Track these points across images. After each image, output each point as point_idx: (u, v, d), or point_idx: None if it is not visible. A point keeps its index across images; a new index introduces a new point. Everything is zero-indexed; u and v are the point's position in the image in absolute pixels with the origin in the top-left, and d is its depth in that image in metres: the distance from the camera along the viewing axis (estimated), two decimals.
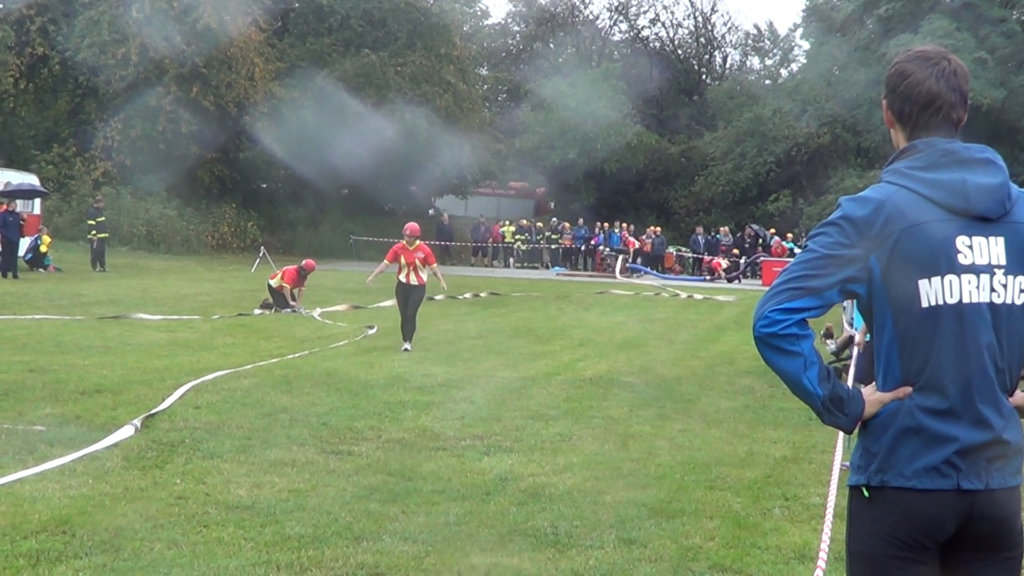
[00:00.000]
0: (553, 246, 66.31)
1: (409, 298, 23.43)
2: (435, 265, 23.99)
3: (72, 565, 8.38)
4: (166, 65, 55.48)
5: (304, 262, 32.25)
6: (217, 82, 56.85)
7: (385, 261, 24.12)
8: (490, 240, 67.84)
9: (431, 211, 73.60)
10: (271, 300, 31.51)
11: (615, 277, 56.38)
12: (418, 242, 23.75)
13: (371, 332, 25.85)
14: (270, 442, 13.09)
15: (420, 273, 23.54)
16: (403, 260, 23.51)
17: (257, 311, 30.76)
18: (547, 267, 64.64)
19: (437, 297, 36.55)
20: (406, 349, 22.86)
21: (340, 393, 16.94)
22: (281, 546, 9.01)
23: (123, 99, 55.78)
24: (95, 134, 55.60)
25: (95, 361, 19.52)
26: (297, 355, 21.65)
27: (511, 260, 66.61)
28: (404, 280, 23.51)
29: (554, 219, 69.47)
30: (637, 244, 64.60)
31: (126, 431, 13.12)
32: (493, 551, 9.09)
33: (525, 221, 69.31)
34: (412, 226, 24.03)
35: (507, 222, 69.30)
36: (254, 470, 11.61)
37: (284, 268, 33.11)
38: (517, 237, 66.65)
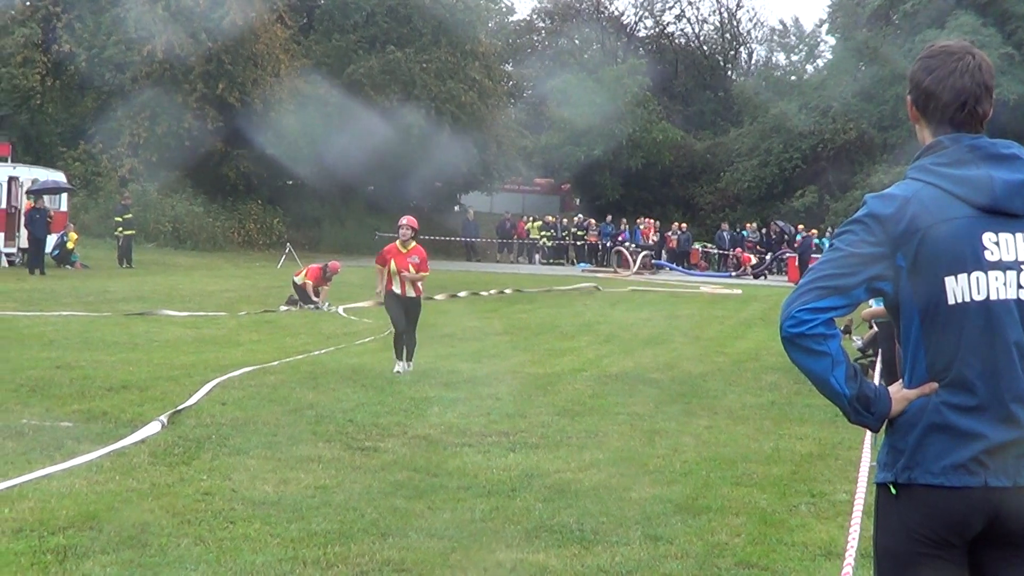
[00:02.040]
0: (579, 242, 66.21)
1: (406, 311, 19.24)
2: (425, 274, 19.50)
3: (99, 561, 8.40)
4: (192, 62, 55.59)
5: (329, 263, 32.29)
6: (243, 79, 56.96)
7: (377, 267, 19.98)
8: (515, 237, 67.83)
9: (456, 207, 73.66)
10: (296, 296, 31.57)
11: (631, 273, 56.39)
12: (414, 243, 19.39)
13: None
14: (296, 438, 13.11)
15: (416, 282, 19.33)
16: (393, 265, 19.11)
17: (283, 308, 30.82)
18: (572, 263, 64.53)
19: (461, 294, 36.57)
20: (398, 372, 18.93)
21: (366, 389, 16.97)
22: (307, 542, 9.02)
23: (149, 96, 55.87)
24: (121, 131, 55.69)
25: (122, 358, 19.58)
26: (323, 351, 21.68)
27: (536, 257, 66.55)
28: (398, 291, 19.20)
29: (579, 215, 69.44)
30: (654, 239, 64.50)
31: (153, 427, 13.16)
32: (519, 547, 9.09)
33: (550, 217, 69.29)
34: (409, 219, 19.75)
35: (532, 218, 69.28)
36: (280, 466, 11.64)
37: (309, 266, 33.18)
38: (542, 233, 66.64)
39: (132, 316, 26.83)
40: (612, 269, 58.48)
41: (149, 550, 8.69)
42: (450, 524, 9.70)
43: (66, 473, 10.93)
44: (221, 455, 12.06)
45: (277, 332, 25.25)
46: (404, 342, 19.23)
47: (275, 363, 19.57)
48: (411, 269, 19.07)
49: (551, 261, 65.53)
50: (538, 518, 9.96)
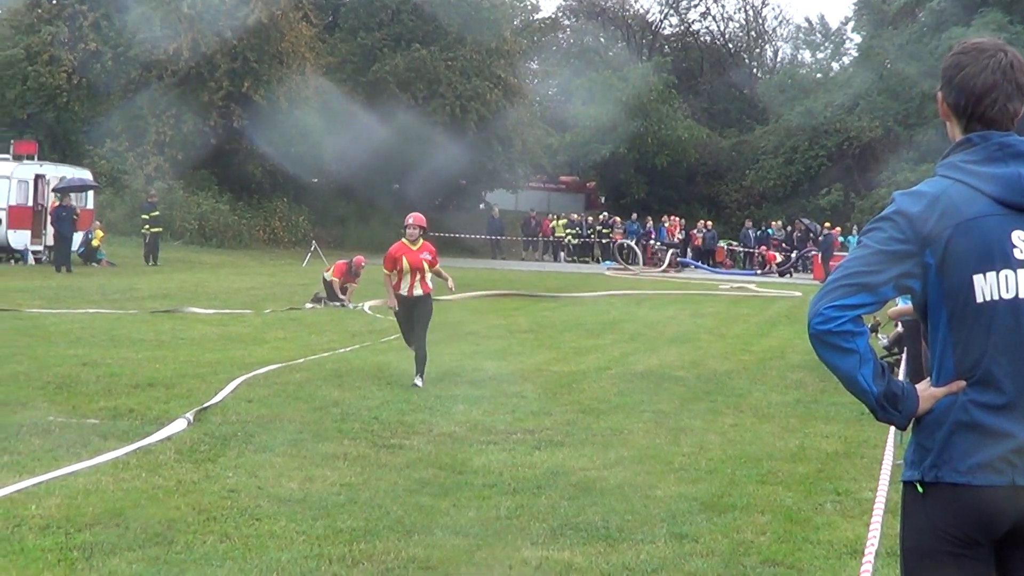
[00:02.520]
0: (604, 240, 66.12)
1: (414, 314, 18.06)
2: (438, 266, 18.41)
3: (125, 557, 8.43)
4: (218, 60, 55.76)
5: (354, 258, 32.34)
6: (269, 77, 57.08)
7: (385, 272, 18.34)
8: (540, 235, 67.80)
9: (482, 205, 73.67)
10: (324, 293, 31.61)
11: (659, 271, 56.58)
12: (422, 240, 18.17)
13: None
14: (322, 436, 13.13)
15: (426, 279, 18.04)
16: (405, 264, 17.81)
17: (308, 305, 30.86)
18: (598, 261, 64.43)
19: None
20: (415, 384, 17.31)
21: (391, 387, 16.97)
22: (333, 539, 9.04)
23: (175, 94, 56.14)
24: (147, 129, 55.90)
25: (148, 355, 19.63)
26: (348, 349, 21.70)
27: (561, 255, 66.50)
28: (406, 293, 17.99)
29: (604, 213, 69.40)
30: (679, 237, 64.59)
31: (179, 424, 13.20)
32: (544, 545, 9.09)
33: (576, 215, 69.23)
34: (416, 217, 18.54)
35: (557, 216, 69.23)
36: (306, 464, 11.66)
37: (336, 262, 33.24)
38: (568, 231, 66.58)
39: (158, 313, 26.90)
40: (622, 266, 58.54)
41: (175, 547, 8.71)
42: (475, 522, 9.71)
43: (92, 470, 10.97)
44: (247, 452, 12.09)
45: (303, 330, 25.28)
46: (417, 351, 17.86)
47: (300, 360, 19.59)
48: (425, 265, 17.86)
49: (576, 259, 65.46)
50: (563, 516, 9.96)
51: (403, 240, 18.18)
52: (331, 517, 9.67)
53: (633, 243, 62.74)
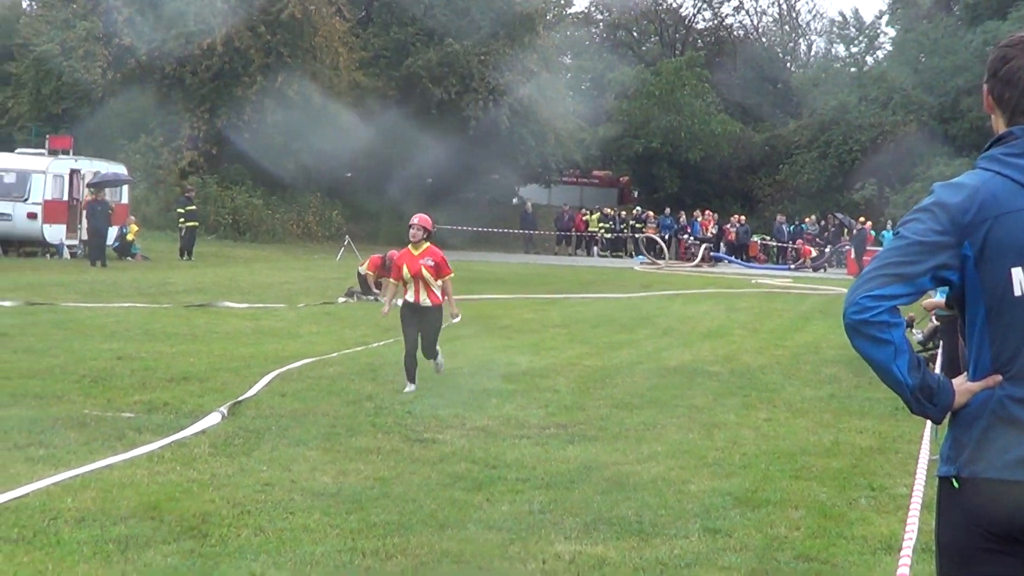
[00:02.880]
0: (637, 235, 66.01)
1: (420, 322, 16.76)
2: (449, 277, 17.12)
3: (160, 550, 8.47)
4: (251, 55, 55.92)
5: (389, 253, 32.34)
6: (302, 72, 57.17)
7: (391, 280, 17.82)
8: (573, 229, 67.75)
9: (515, 200, 73.67)
10: (357, 287, 31.64)
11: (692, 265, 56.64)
12: (427, 244, 16.84)
13: (455, 321, 25.47)
14: (355, 430, 13.16)
15: (433, 289, 16.70)
16: (405, 271, 16.69)
17: (341, 299, 30.88)
18: (631, 256, 64.35)
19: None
20: (408, 390, 16.34)
21: (424, 381, 16.94)
22: (366, 533, 9.06)
23: (209, 88, 56.36)
24: (182, 124, 56.08)
25: (182, 349, 19.70)
26: (382, 343, 21.67)
27: (595, 249, 66.48)
28: (413, 299, 16.70)
29: (637, 208, 69.33)
30: (713, 232, 64.51)
31: (213, 418, 13.26)
32: (577, 539, 9.09)
33: (609, 210, 69.14)
34: (421, 218, 17.16)
35: (591, 211, 69.16)
36: (339, 458, 11.69)
37: (371, 256, 33.25)
38: (601, 226, 66.54)
39: (192, 308, 26.98)
40: (650, 260, 58.52)
41: (209, 540, 8.75)
42: (508, 516, 9.71)
43: (128, 463, 11.02)
44: (281, 446, 12.13)
45: (336, 324, 25.32)
46: (418, 360, 16.78)
47: (334, 355, 19.63)
48: (424, 271, 16.51)
49: (610, 253, 65.43)
50: (596, 510, 9.96)
51: (409, 245, 17.04)
52: (365, 511, 9.69)
53: (658, 237, 62.63)
